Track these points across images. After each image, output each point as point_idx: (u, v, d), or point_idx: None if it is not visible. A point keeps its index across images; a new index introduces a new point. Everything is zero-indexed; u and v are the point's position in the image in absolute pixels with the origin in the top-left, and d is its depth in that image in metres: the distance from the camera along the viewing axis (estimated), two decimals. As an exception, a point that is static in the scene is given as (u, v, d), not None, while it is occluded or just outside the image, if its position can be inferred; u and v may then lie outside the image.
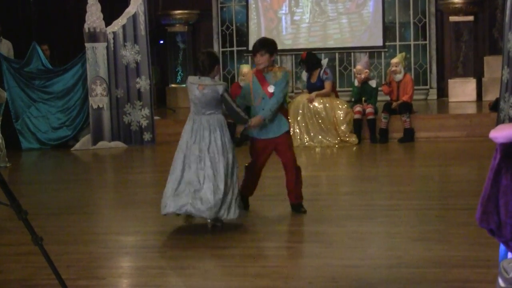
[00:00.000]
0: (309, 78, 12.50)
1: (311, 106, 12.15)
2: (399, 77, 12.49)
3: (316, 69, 12.41)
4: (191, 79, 6.85)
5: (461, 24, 15.02)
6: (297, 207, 7.20)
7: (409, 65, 15.38)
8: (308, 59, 12.45)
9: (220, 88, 6.71)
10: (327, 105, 12.24)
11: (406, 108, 12.30)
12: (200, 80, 6.75)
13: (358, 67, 12.70)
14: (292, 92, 14.41)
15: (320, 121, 12.16)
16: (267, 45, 7.07)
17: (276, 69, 7.10)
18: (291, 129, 12.18)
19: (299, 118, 12.22)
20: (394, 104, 12.39)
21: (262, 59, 7.02)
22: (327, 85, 12.36)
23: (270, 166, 7.51)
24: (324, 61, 12.76)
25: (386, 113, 12.31)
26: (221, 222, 6.74)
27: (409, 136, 12.21)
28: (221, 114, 6.80)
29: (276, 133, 7.06)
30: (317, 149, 11.84)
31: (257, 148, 7.16)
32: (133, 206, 7.95)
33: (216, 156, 6.62)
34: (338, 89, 14.25)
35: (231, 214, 6.63)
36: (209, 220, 6.68)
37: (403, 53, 13.51)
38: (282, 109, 7.10)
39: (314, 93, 12.23)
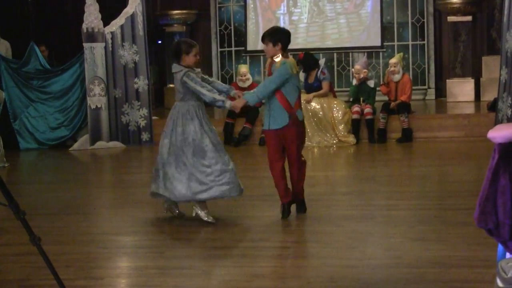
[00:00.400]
0: (306, 78, 12.49)
1: (309, 107, 12.15)
2: (397, 77, 12.48)
3: (313, 70, 12.41)
4: None
5: (459, 24, 15.02)
6: (298, 205, 7.21)
7: (407, 65, 15.37)
8: (306, 59, 12.43)
9: (179, 75, 6.83)
10: (324, 105, 12.24)
11: (405, 108, 12.30)
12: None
13: (357, 66, 12.68)
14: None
15: (318, 121, 12.16)
16: (270, 34, 7.00)
17: (281, 60, 6.98)
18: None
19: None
20: (393, 104, 12.39)
21: (267, 49, 7.02)
22: (325, 85, 12.36)
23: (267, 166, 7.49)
24: (321, 61, 12.75)
25: (385, 113, 12.31)
26: (211, 218, 6.93)
27: (407, 136, 12.21)
28: (193, 100, 6.92)
29: (279, 125, 6.93)
30: (315, 149, 11.83)
31: (266, 140, 7.19)
32: (131, 206, 7.95)
33: (179, 142, 6.86)
34: (336, 89, 14.25)
35: (208, 194, 6.87)
36: (194, 209, 7.00)
37: (401, 53, 13.51)
38: (282, 101, 6.91)
39: (311, 94, 12.22)
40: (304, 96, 12.28)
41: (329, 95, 12.47)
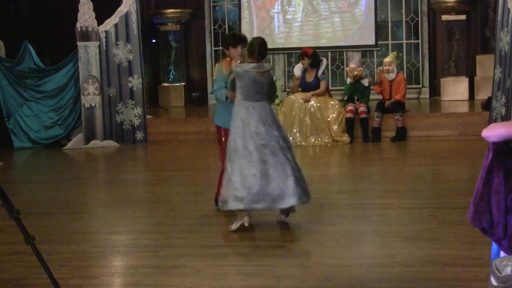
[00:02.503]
0: (303, 77, 12.46)
1: (305, 105, 12.14)
2: (391, 76, 12.49)
3: (314, 68, 12.36)
4: None
5: (453, 23, 15.04)
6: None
7: (402, 64, 15.38)
8: (314, 56, 12.34)
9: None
10: (319, 104, 12.24)
11: (399, 107, 12.31)
12: None
13: (352, 65, 12.68)
14: (285, 91, 14.42)
15: (313, 120, 12.15)
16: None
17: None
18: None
19: (292, 117, 12.21)
20: (387, 103, 12.40)
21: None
22: (323, 84, 12.35)
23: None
24: (324, 62, 12.67)
25: (379, 112, 12.31)
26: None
27: (401, 135, 12.22)
28: None
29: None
30: (310, 148, 11.83)
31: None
32: (125, 205, 7.94)
33: None
34: (330, 87, 14.25)
35: None
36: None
37: (395, 52, 13.52)
38: None
39: (310, 93, 12.21)
40: (302, 95, 12.29)
41: (325, 94, 12.47)
